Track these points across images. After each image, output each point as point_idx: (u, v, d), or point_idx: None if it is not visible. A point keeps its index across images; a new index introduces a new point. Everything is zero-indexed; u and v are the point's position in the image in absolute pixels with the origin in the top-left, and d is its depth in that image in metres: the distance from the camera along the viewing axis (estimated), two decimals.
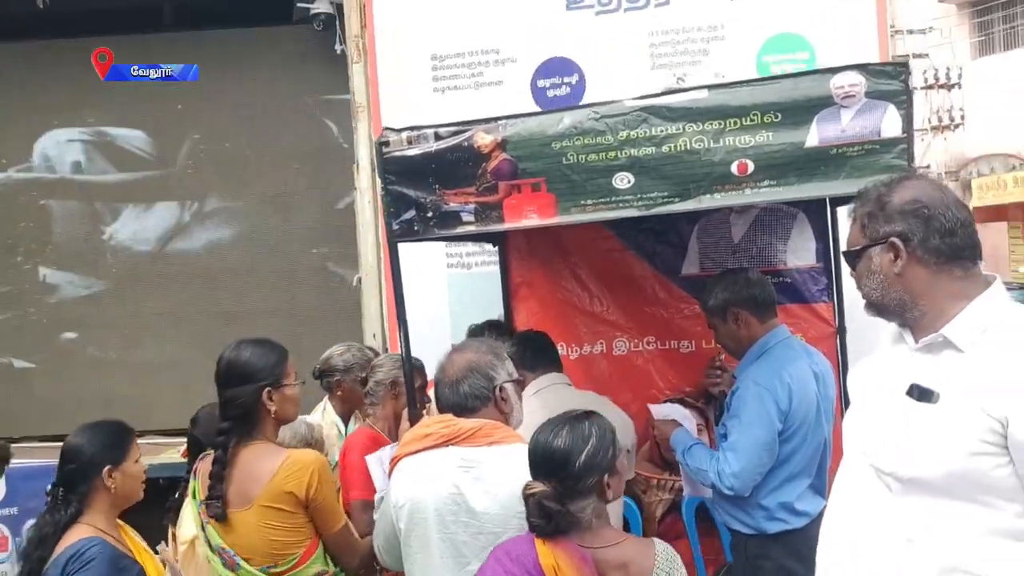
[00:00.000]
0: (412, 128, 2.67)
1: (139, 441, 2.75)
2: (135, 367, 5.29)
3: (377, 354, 3.80)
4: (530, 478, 2.13)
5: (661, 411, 3.40)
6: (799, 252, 3.80)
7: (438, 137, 2.64)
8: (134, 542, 2.68)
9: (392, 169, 2.67)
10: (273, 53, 5.12)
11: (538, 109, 4.11)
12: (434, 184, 2.65)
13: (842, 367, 3.50)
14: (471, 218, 2.64)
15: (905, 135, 2.38)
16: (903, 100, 2.38)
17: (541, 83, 4.39)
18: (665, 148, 2.50)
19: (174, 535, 2.98)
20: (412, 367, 2.91)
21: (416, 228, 2.68)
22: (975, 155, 20.12)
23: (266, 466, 2.51)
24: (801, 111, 2.43)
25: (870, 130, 2.40)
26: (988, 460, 1.68)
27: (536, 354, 3.43)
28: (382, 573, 2.81)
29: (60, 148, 5.33)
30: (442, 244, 4.40)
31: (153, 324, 5.26)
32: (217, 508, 2.47)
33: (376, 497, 2.63)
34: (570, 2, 4.37)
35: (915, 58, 18.45)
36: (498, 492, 2.28)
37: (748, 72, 4.08)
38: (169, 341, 5.28)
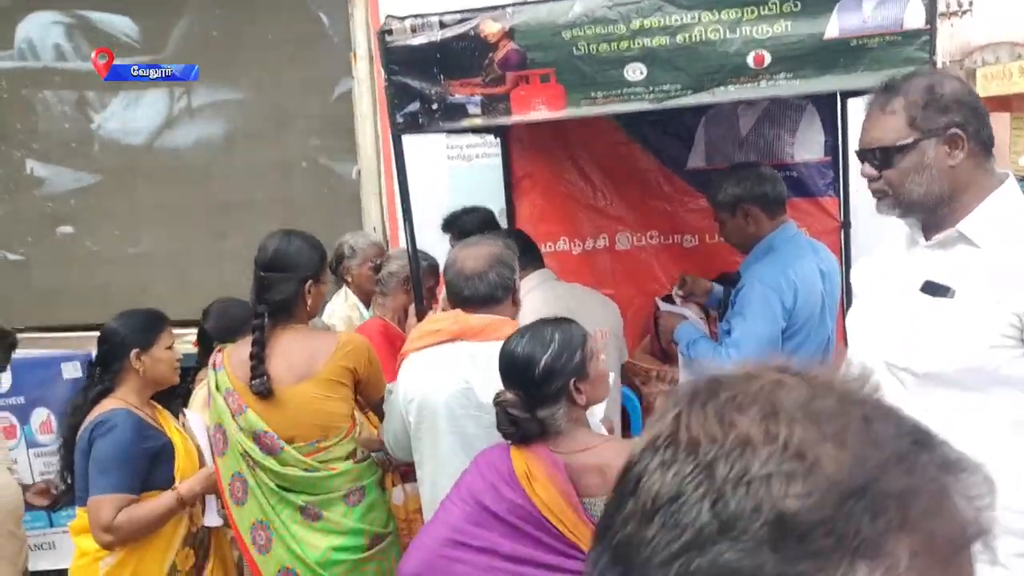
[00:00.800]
0: (416, 16, 2.56)
1: None
2: (133, 259, 5.25)
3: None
4: None
5: (669, 307, 3.41)
6: (807, 145, 3.74)
7: (443, 25, 2.54)
8: (167, 421, 2.86)
9: (395, 59, 2.58)
10: None
11: None
12: (439, 75, 2.57)
13: (845, 262, 3.50)
14: (477, 111, 2.57)
15: (928, 26, 2.30)
16: None
17: None
18: (679, 38, 2.41)
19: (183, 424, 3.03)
20: (419, 263, 2.89)
21: (421, 121, 2.61)
22: (981, 43, 19.63)
23: (323, 343, 2.61)
24: (822, 0, 2.34)
25: (892, 21, 2.32)
26: (1004, 353, 1.71)
27: (523, 252, 3.40)
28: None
29: (43, 33, 5.14)
30: (442, 136, 4.30)
31: (149, 216, 5.19)
32: (264, 385, 2.52)
33: (386, 388, 2.67)
34: None
35: None
36: None
37: None
38: (165, 233, 5.23)
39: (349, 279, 3.68)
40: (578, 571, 1.95)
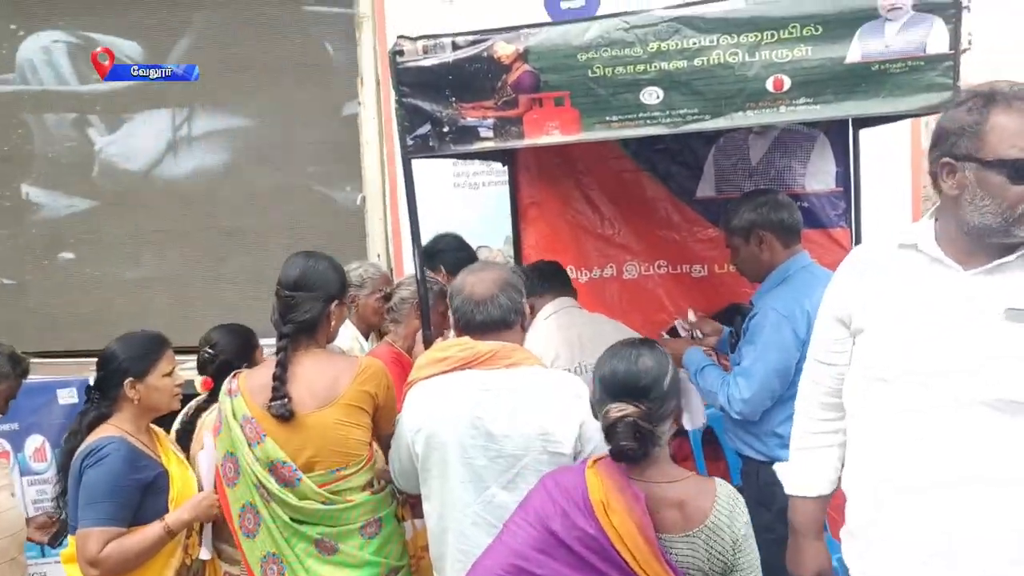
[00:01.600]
0: (428, 36, 2.52)
1: None
2: (133, 284, 5.18)
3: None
4: (597, 402, 2.04)
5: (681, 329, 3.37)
6: (819, 176, 3.69)
7: (455, 47, 2.49)
8: (166, 449, 2.77)
9: (407, 81, 2.53)
10: None
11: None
12: (451, 97, 2.52)
13: None
14: (490, 133, 2.52)
15: (952, 51, 2.26)
16: (952, 13, 2.25)
17: None
18: (697, 62, 2.36)
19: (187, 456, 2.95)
20: (427, 288, 2.82)
21: (431, 143, 2.56)
22: (979, 82, 19.77)
23: (344, 367, 2.54)
24: (843, 24, 2.29)
25: (916, 46, 2.27)
26: None
27: (545, 279, 3.38)
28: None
29: (45, 55, 5.11)
30: (449, 162, 4.27)
31: (151, 241, 5.13)
32: (286, 407, 2.45)
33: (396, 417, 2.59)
34: None
35: None
36: (517, 415, 2.25)
37: None
38: (167, 258, 5.17)
39: (354, 309, 3.60)
40: None
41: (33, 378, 4.12)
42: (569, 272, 3.95)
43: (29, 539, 3.14)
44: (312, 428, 2.47)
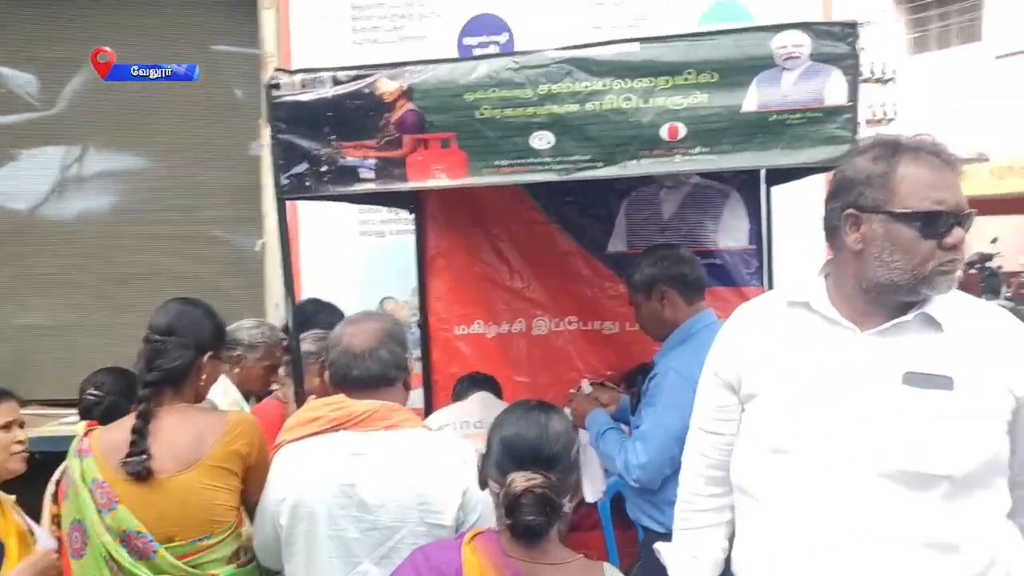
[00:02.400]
0: (307, 70, 2.36)
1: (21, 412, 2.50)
2: (18, 332, 4.86)
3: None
4: (494, 467, 1.83)
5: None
6: (731, 232, 3.63)
7: (336, 82, 2.34)
8: (6, 518, 2.44)
9: (282, 116, 2.36)
10: None
11: None
12: (330, 135, 2.35)
13: None
14: (371, 175, 2.36)
15: (851, 103, 2.17)
16: (850, 65, 2.17)
17: (467, 41, 4.10)
18: (589, 106, 2.25)
19: (56, 516, 2.65)
20: (298, 341, 2.61)
21: (308, 184, 2.38)
22: None
23: (211, 424, 2.29)
24: (740, 72, 2.20)
25: (813, 96, 2.18)
26: (1005, 439, 1.63)
27: (475, 384, 3.40)
28: None
29: None
30: (355, 209, 4.10)
31: (37, 285, 4.84)
32: (142, 464, 2.19)
33: None
34: None
35: None
36: (395, 482, 2.04)
37: None
38: (57, 305, 4.87)
39: (236, 371, 3.35)
40: None
41: None
42: (477, 327, 3.80)
43: None
44: (172, 493, 2.21)
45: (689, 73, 2.21)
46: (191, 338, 2.32)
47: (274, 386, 3.26)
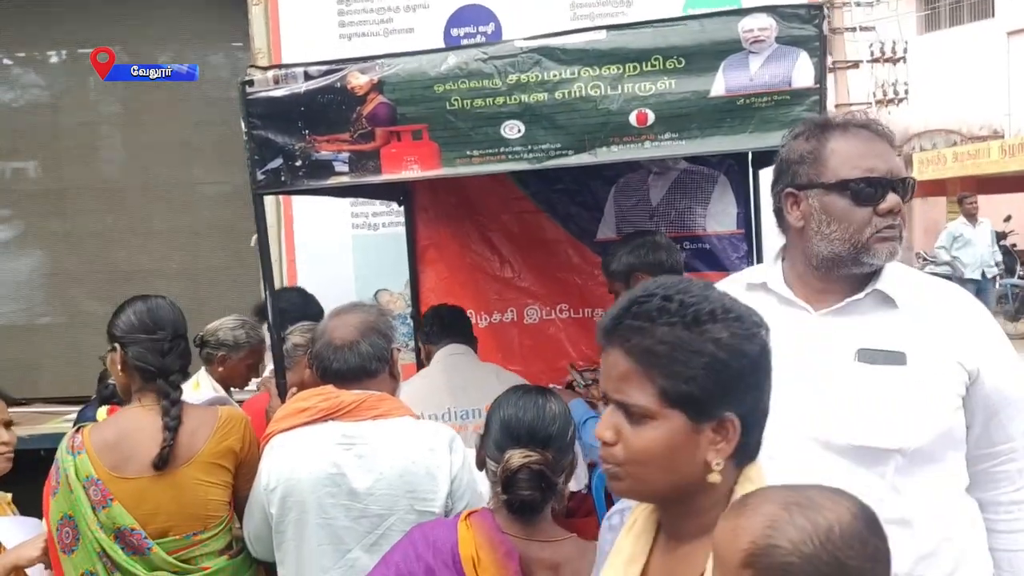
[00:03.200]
0: (280, 66, 2.39)
1: (23, 410, 2.53)
2: (23, 330, 4.93)
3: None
4: (493, 446, 1.88)
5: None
6: (719, 217, 3.62)
7: (308, 76, 2.35)
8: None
9: (256, 112, 2.38)
10: None
11: None
12: (304, 129, 2.37)
13: None
14: (345, 168, 2.37)
15: (818, 85, 2.17)
16: (816, 47, 2.16)
17: (455, 32, 4.10)
18: (558, 94, 2.25)
19: None
20: (280, 334, 2.64)
21: (283, 178, 2.40)
22: (918, 130, 20.31)
23: (203, 420, 2.34)
24: (707, 56, 2.20)
25: (780, 79, 2.18)
26: (959, 413, 1.64)
27: (444, 326, 3.27)
28: None
29: None
30: (347, 202, 4.12)
31: (43, 284, 4.90)
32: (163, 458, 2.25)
33: None
34: None
35: (862, 30, 18.48)
36: (383, 470, 2.08)
37: None
38: (59, 303, 4.93)
39: (220, 369, 3.38)
40: None
41: None
42: (469, 316, 3.81)
43: None
44: (167, 489, 2.26)
45: (656, 59, 2.21)
46: (184, 333, 2.37)
47: (253, 383, 3.29)
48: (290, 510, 2.12)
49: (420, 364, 3.82)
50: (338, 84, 2.33)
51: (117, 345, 2.33)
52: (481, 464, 1.95)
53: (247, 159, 2.40)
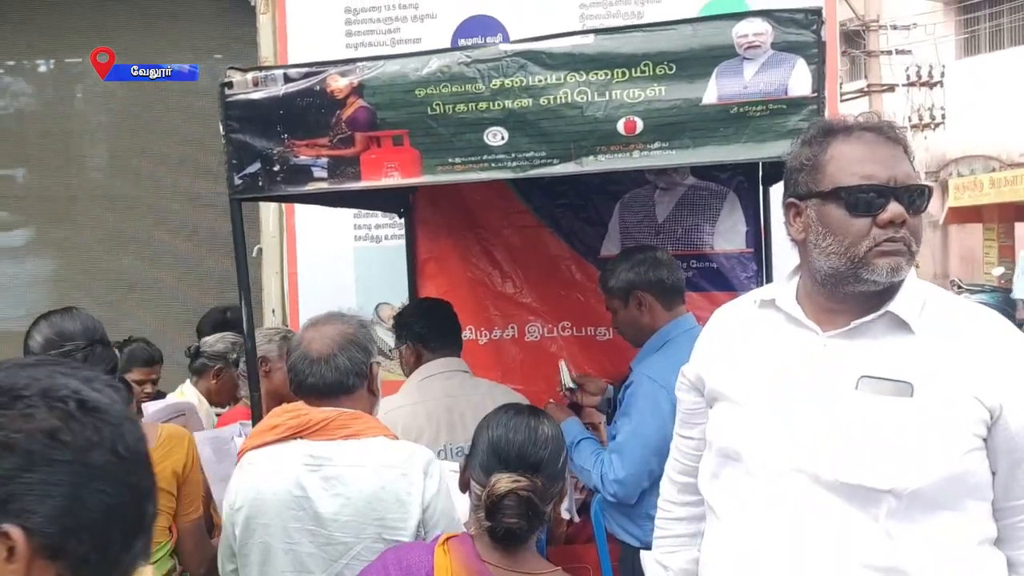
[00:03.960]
0: (259, 68, 2.32)
1: None
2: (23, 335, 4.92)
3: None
4: (479, 467, 1.78)
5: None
6: (728, 235, 3.49)
7: (287, 79, 2.28)
8: None
9: (234, 115, 2.31)
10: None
11: None
12: (282, 133, 2.29)
13: None
14: (324, 174, 2.29)
15: (816, 94, 2.04)
16: (814, 54, 2.04)
17: (463, 42, 4.03)
18: (543, 100, 2.15)
19: None
20: (254, 345, 2.55)
21: (261, 184, 2.33)
22: (956, 156, 19.92)
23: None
24: (699, 63, 2.08)
25: (776, 87, 2.06)
26: (977, 456, 1.46)
27: (441, 332, 2.98)
28: None
29: None
30: (350, 214, 4.06)
31: (45, 290, 4.89)
32: None
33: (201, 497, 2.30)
34: None
35: (898, 54, 18.21)
36: (350, 495, 1.96)
37: None
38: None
39: (214, 381, 3.30)
40: None
41: None
42: (468, 332, 3.70)
43: None
44: None
45: (646, 65, 2.10)
46: (100, 338, 2.29)
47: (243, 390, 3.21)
48: (254, 533, 2.02)
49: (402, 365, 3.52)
50: (317, 87, 2.25)
51: None
52: (465, 486, 1.85)
53: (226, 163, 2.33)
